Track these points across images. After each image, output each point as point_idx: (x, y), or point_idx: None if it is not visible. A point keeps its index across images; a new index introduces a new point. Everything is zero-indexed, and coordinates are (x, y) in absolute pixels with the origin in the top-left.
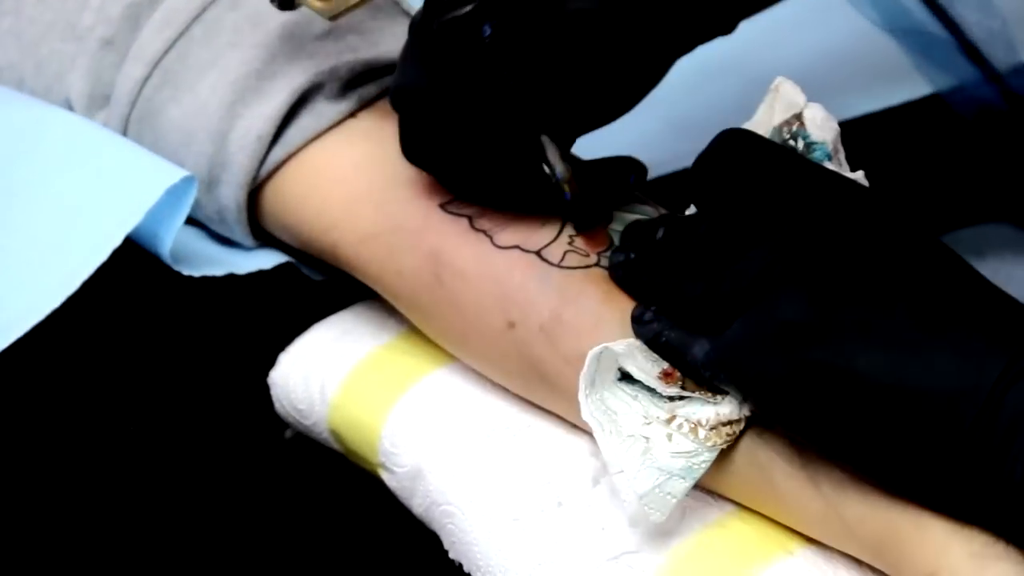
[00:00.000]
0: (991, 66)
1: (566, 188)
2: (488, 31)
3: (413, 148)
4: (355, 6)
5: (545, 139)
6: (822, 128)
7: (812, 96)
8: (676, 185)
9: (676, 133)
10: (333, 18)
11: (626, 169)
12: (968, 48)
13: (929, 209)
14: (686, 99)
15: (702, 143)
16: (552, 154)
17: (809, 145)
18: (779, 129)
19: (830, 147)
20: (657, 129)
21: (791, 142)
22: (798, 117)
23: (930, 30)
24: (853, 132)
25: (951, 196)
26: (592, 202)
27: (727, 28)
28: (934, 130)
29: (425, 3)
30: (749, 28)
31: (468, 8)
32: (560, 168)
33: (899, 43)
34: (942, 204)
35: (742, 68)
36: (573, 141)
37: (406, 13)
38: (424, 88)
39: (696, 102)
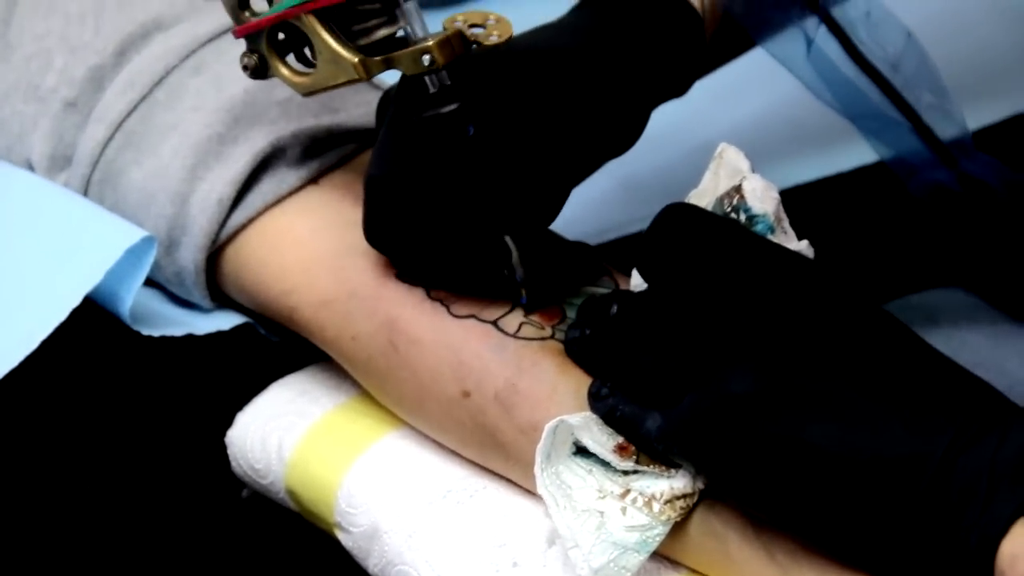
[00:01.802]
0: (945, 149)
1: (523, 292)
2: (472, 131)
3: (378, 234)
4: (332, 87)
5: (509, 241)
6: (762, 200)
7: (763, 161)
8: (630, 248)
9: (629, 196)
10: (308, 94)
11: (579, 257)
12: (923, 131)
13: (881, 274)
14: (639, 163)
15: (655, 206)
16: (515, 256)
17: (751, 218)
18: (721, 201)
19: (772, 218)
20: (611, 192)
21: (733, 215)
22: (738, 189)
23: (886, 113)
24: (805, 197)
25: (904, 261)
26: (545, 295)
27: (680, 90)
28: (887, 195)
29: (400, 96)
30: (700, 92)
31: (453, 107)
32: (520, 272)
33: (855, 126)
34: (894, 269)
35: (693, 132)
36: (539, 233)
37: (370, 83)
38: (401, 180)
39: (648, 166)
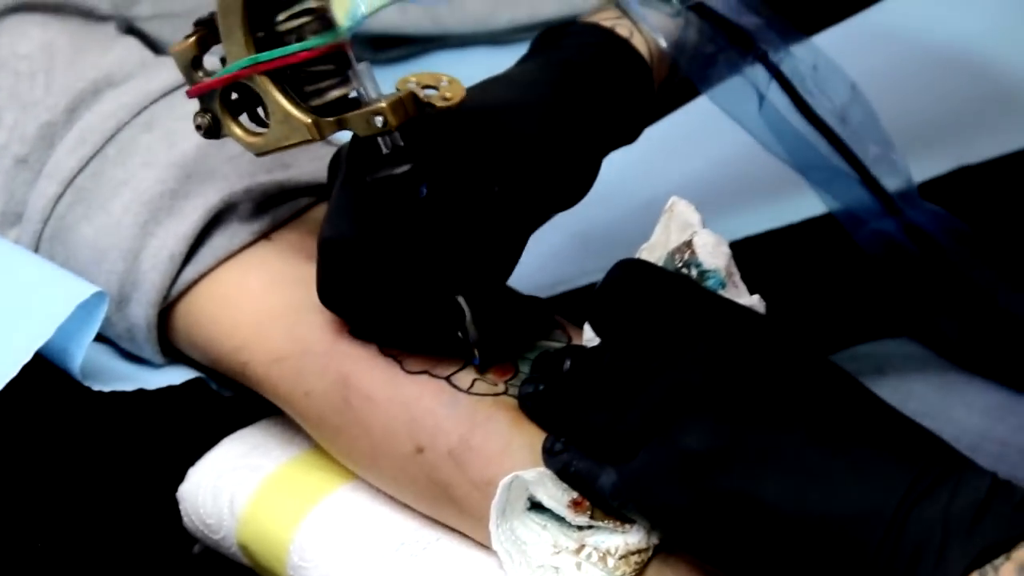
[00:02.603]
0: (891, 200)
1: (475, 352)
2: (425, 191)
3: (332, 296)
4: (285, 147)
5: (462, 301)
6: (713, 254)
7: (712, 213)
8: (582, 301)
9: (580, 250)
10: (261, 154)
11: (532, 312)
12: (869, 182)
13: (829, 326)
14: (589, 216)
15: (606, 260)
16: (468, 317)
17: (702, 273)
18: (672, 256)
19: (723, 273)
20: (562, 246)
21: (684, 270)
22: (689, 245)
23: (833, 164)
24: (755, 249)
25: (852, 312)
26: (498, 352)
27: (630, 137)
28: (836, 246)
29: (352, 157)
30: (650, 145)
31: (405, 168)
32: (473, 332)
33: (804, 177)
34: (843, 320)
35: (643, 185)
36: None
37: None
38: (355, 242)
39: (599, 219)
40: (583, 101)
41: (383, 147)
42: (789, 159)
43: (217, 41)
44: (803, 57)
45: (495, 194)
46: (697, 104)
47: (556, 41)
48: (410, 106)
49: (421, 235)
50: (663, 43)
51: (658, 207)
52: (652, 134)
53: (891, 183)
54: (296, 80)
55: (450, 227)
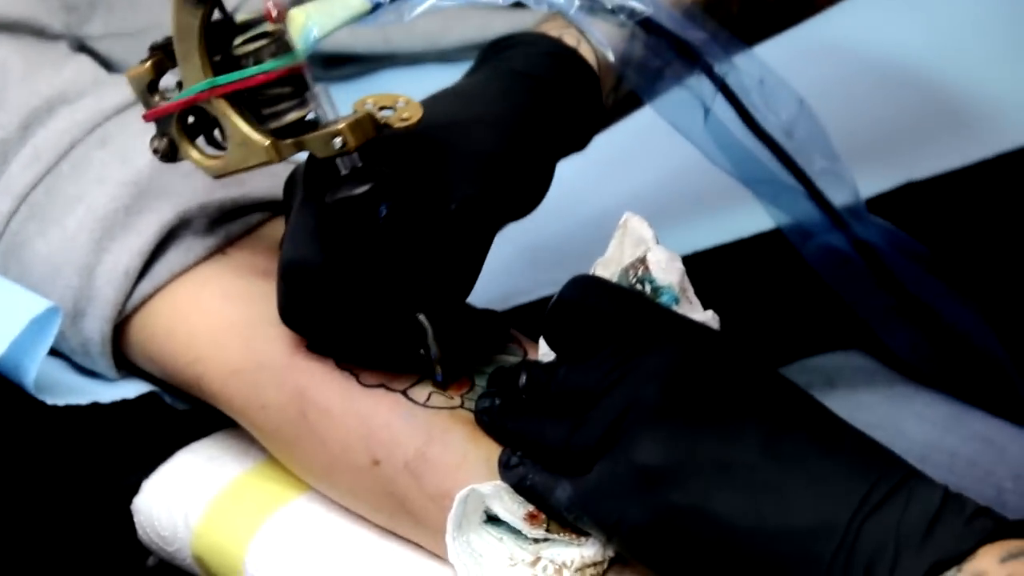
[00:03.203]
0: (837, 213)
1: (438, 369)
2: (384, 211)
3: (294, 317)
4: (243, 169)
5: (423, 319)
6: (667, 271)
7: (665, 226)
8: (536, 313)
9: (533, 263)
10: (218, 176)
11: (488, 325)
12: (815, 196)
13: (780, 338)
14: (541, 230)
15: (559, 272)
16: (430, 335)
17: (656, 289)
18: (626, 272)
19: (676, 289)
20: (515, 258)
21: (638, 286)
22: (642, 261)
23: (780, 178)
24: (705, 263)
25: (802, 324)
26: (458, 367)
27: (581, 144)
28: (786, 260)
29: (309, 178)
30: (600, 158)
31: (365, 188)
32: (435, 349)
33: (751, 191)
34: (793, 332)
35: (594, 198)
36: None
37: None
38: (318, 264)
39: (551, 232)
40: (535, 111)
41: (341, 168)
42: (735, 172)
43: (173, 65)
44: (749, 71)
45: (453, 211)
46: (645, 115)
47: (504, 50)
48: (368, 127)
49: (382, 256)
50: (611, 57)
51: (610, 220)
52: (601, 145)
53: (838, 197)
54: (254, 103)
55: (410, 246)
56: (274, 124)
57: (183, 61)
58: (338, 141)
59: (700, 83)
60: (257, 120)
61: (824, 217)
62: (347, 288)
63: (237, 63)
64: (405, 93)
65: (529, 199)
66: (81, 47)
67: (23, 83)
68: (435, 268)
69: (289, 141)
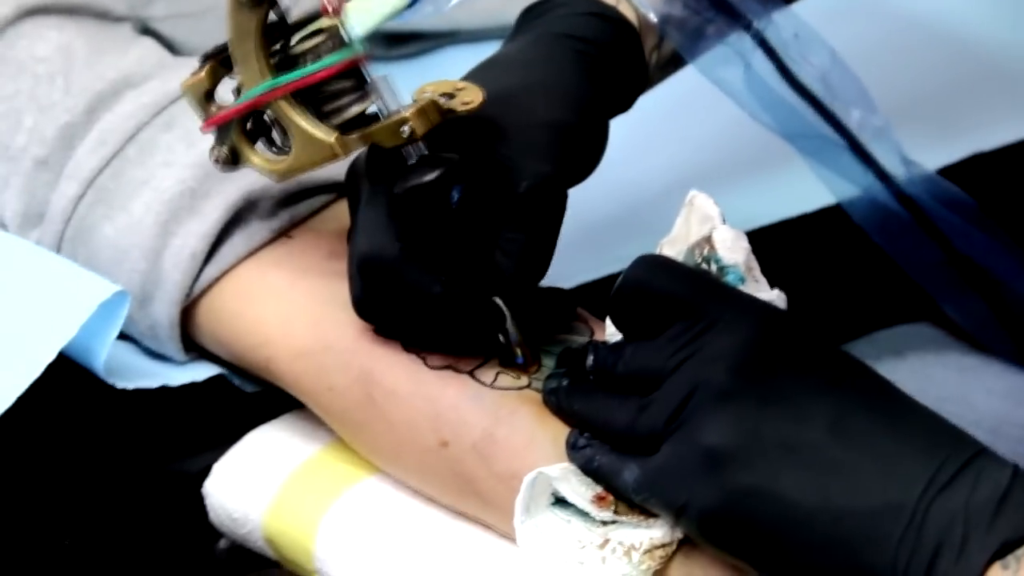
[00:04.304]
0: (878, 166)
1: (518, 352)
2: (456, 196)
3: (371, 310)
4: (308, 168)
5: (501, 303)
6: (732, 250)
7: (731, 197)
8: (602, 292)
9: (598, 239)
10: (283, 178)
11: (556, 303)
12: (856, 148)
13: (848, 312)
14: (606, 203)
15: (623, 250)
16: (508, 319)
17: (722, 269)
18: (692, 252)
19: (742, 268)
20: (580, 235)
21: (704, 265)
22: (708, 240)
23: (821, 132)
24: (772, 237)
25: (871, 297)
26: (530, 347)
27: (626, 105)
28: (853, 232)
29: (374, 169)
30: (664, 137)
31: (435, 174)
32: (514, 332)
33: (794, 147)
34: (862, 306)
35: (656, 176)
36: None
37: None
38: (395, 256)
39: (615, 206)
40: (587, 75)
41: (409, 157)
42: (777, 128)
43: (227, 72)
44: (784, 25)
45: (525, 190)
46: (690, 82)
47: (542, 15)
48: (433, 113)
49: (458, 241)
50: (652, 16)
51: (672, 194)
52: (652, 113)
53: (878, 148)
54: (314, 101)
55: (485, 229)
56: (336, 120)
57: (242, 64)
58: (406, 129)
59: (739, 40)
60: (318, 117)
61: (866, 170)
62: (425, 277)
63: (295, 62)
64: (468, 70)
65: (589, 166)
66: (144, 29)
67: (88, 67)
68: (511, 250)
69: (355, 135)
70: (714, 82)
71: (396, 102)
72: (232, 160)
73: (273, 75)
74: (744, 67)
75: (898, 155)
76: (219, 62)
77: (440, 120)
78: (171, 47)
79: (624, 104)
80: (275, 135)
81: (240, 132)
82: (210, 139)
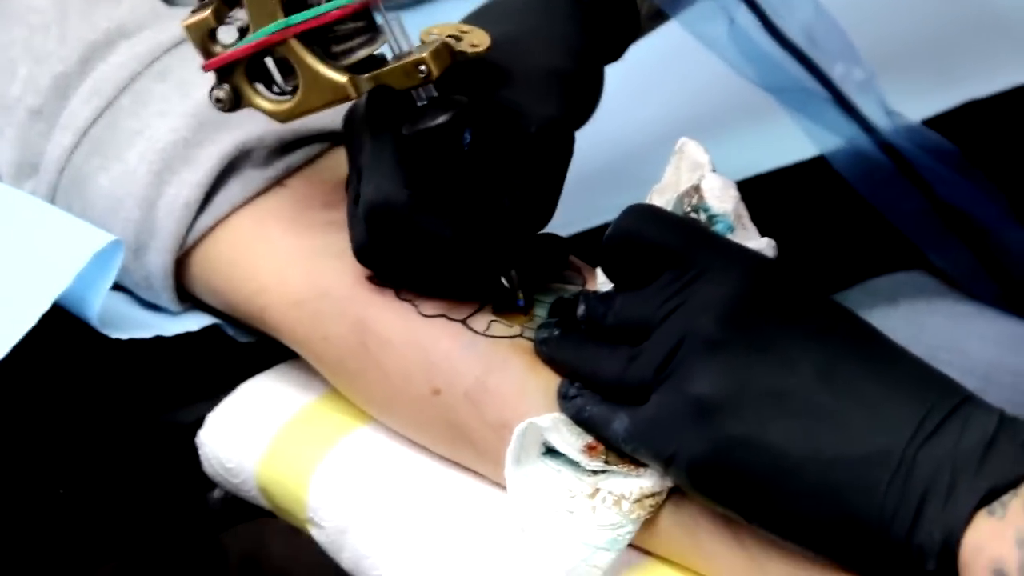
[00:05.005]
0: (865, 118)
1: (519, 295)
2: (468, 138)
3: (376, 257)
4: (315, 110)
5: (508, 246)
6: (721, 198)
7: (724, 145)
8: (595, 241)
9: (591, 188)
10: (287, 120)
11: (552, 250)
12: (841, 101)
13: (841, 260)
14: (597, 157)
15: (615, 198)
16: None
17: (711, 218)
18: (681, 200)
19: (731, 217)
20: (573, 184)
21: (693, 214)
22: (697, 189)
23: (805, 85)
24: (765, 186)
25: (864, 245)
26: (527, 292)
27: (617, 54)
28: (846, 181)
29: (374, 114)
30: (655, 87)
31: (448, 116)
32: (515, 277)
33: (777, 100)
34: (855, 254)
35: (649, 119)
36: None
37: None
38: (404, 201)
39: (608, 156)
40: (582, 22)
41: (419, 99)
42: (760, 81)
43: (230, 9)
44: None
45: (535, 134)
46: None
47: None
48: (446, 55)
49: (469, 185)
50: None
51: (665, 145)
52: (645, 63)
53: (861, 100)
54: (323, 42)
55: (495, 173)
56: (344, 62)
57: (250, 3)
58: (424, 69)
59: None
60: (326, 59)
61: (850, 121)
62: (436, 222)
63: (304, 2)
64: (463, 17)
65: (586, 113)
66: None
67: (83, 17)
68: (521, 193)
69: (366, 76)
70: (695, 35)
71: (407, 44)
72: (234, 101)
73: (284, 14)
74: (728, 21)
75: (882, 106)
76: (223, 0)
77: (451, 62)
78: None
79: (616, 52)
80: (276, 76)
81: (243, 73)
82: (204, 87)
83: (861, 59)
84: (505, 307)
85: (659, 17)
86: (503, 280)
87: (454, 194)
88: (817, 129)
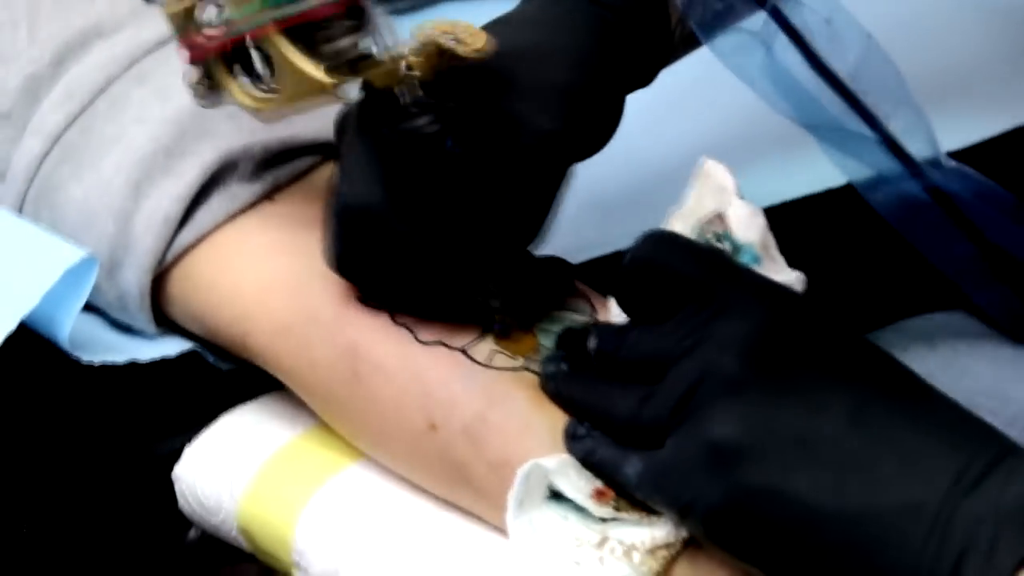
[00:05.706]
0: (910, 159)
1: (497, 319)
2: (450, 143)
3: (351, 265)
4: (297, 109)
5: (488, 265)
6: (748, 227)
7: (749, 171)
8: (607, 269)
9: (607, 213)
10: (269, 119)
11: (554, 274)
12: (887, 141)
13: (876, 298)
14: (616, 176)
15: (630, 225)
16: (492, 283)
17: (736, 248)
18: (703, 228)
19: (758, 247)
20: (587, 208)
21: (717, 243)
22: (721, 216)
23: (846, 123)
24: (793, 215)
25: (901, 283)
26: (521, 319)
27: (648, 79)
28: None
29: (364, 114)
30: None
31: (429, 118)
32: (496, 297)
33: (816, 138)
34: (891, 291)
35: (670, 142)
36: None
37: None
38: (380, 205)
39: (626, 179)
40: (607, 40)
41: (402, 98)
42: (797, 117)
43: None
44: (816, 8)
45: (528, 146)
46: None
47: None
48: (434, 53)
49: (451, 193)
50: None
51: (688, 170)
52: (673, 84)
53: (911, 143)
54: (307, 38)
55: (479, 184)
56: (329, 60)
57: None
58: (404, 66)
59: (762, 22)
60: (310, 55)
61: (896, 163)
62: (412, 230)
63: None
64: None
65: (600, 137)
66: None
67: (55, 14)
68: (505, 208)
69: (348, 72)
70: (727, 65)
71: (395, 41)
72: (214, 95)
73: (268, 5)
74: (766, 54)
75: (932, 148)
76: None
77: (439, 62)
78: None
79: (645, 76)
80: (258, 67)
81: (224, 65)
82: (186, 93)
83: (911, 98)
84: (501, 333)
85: (693, 42)
86: (489, 301)
87: (430, 200)
88: (858, 167)
